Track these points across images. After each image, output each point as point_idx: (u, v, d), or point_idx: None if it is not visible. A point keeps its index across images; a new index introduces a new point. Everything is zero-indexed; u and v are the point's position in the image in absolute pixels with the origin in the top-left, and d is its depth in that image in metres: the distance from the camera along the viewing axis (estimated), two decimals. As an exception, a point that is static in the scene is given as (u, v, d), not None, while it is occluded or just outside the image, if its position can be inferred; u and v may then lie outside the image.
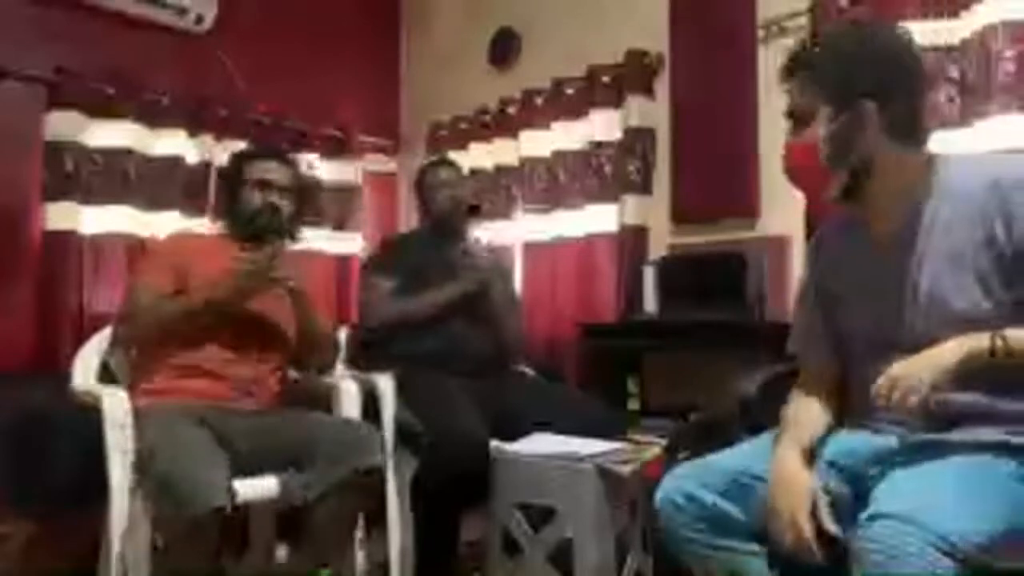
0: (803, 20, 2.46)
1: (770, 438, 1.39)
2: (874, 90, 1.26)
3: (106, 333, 2.05)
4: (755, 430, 1.47)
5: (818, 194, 1.39)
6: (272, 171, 2.08)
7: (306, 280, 2.04)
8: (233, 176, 2.11)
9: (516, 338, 2.53)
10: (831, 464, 1.33)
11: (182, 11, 3.14)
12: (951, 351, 1.16)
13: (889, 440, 1.30)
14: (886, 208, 1.33)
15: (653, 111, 2.94)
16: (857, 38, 1.34)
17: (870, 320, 1.36)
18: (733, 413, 1.65)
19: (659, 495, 1.36)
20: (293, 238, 2.16)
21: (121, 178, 2.99)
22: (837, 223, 1.48)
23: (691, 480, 1.34)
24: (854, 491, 1.30)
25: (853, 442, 1.35)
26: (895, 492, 1.12)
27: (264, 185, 2.06)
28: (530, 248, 3.24)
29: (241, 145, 3.11)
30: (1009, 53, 1.98)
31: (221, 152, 3.21)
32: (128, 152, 3.01)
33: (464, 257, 2.46)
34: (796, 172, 1.39)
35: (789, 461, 1.28)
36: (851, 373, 1.42)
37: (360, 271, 2.65)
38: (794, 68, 1.35)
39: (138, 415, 1.72)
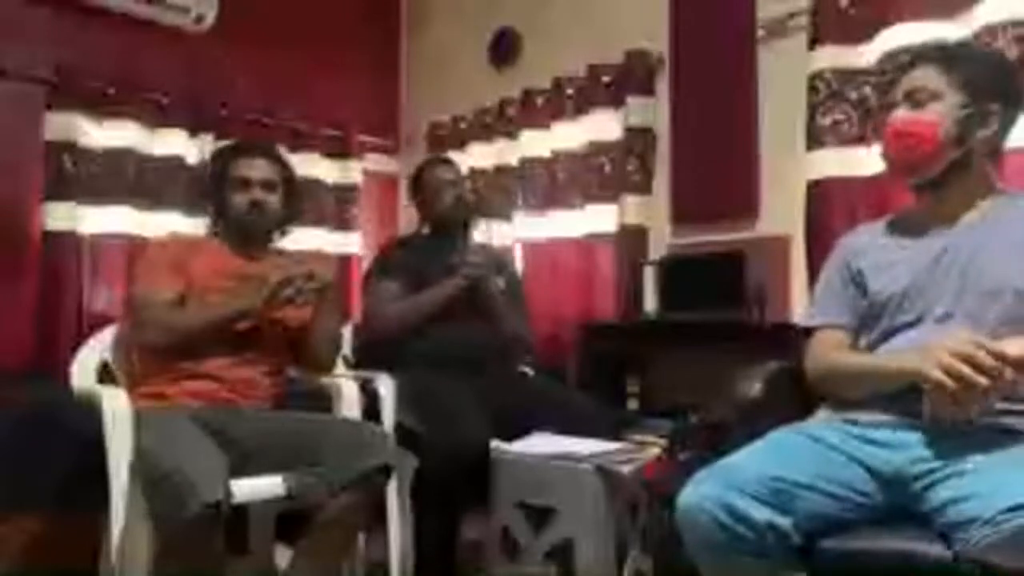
0: (803, 20, 2.46)
1: (783, 436, 1.36)
2: (1003, 98, 1.39)
3: (106, 333, 2.05)
4: (756, 431, 1.44)
5: (915, 169, 1.43)
6: (253, 167, 2.04)
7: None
8: (215, 176, 2.07)
9: (521, 336, 2.53)
10: (865, 466, 1.29)
11: (182, 11, 3.14)
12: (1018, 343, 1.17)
13: (911, 434, 1.28)
14: (957, 205, 1.42)
15: (653, 111, 2.94)
16: (992, 51, 1.57)
17: (907, 290, 1.40)
18: (736, 415, 1.60)
19: (687, 503, 1.24)
20: (283, 233, 2.16)
21: (121, 178, 3.00)
22: (869, 227, 1.60)
23: (730, 490, 1.21)
24: (888, 498, 1.27)
25: (876, 436, 1.32)
26: (1008, 483, 1.09)
27: (246, 183, 2.02)
28: (530, 248, 3.24)
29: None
30: (1010, 53, 1.97)
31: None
32: (128, 152, 3.02)
33: (464, 257, 2.46)
34: (906, 141, 1.41)
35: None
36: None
37: (364, 277, 2.65)
38: (932, 55, 1.44)
39: (138, 415, 1.71)
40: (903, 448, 1.27)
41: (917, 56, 1.48)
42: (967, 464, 1.18)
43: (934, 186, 1.43)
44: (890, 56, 2.15)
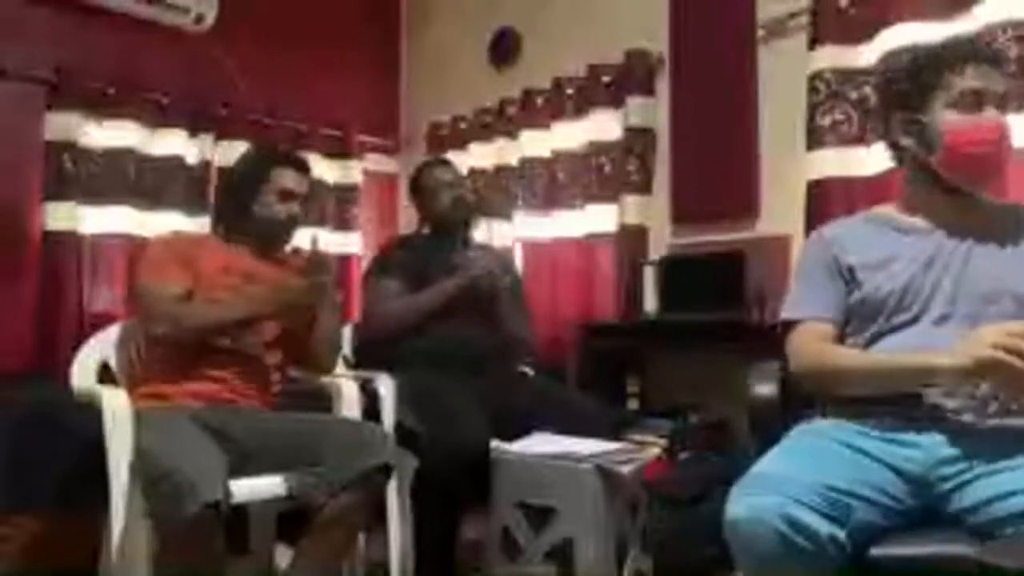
0: (803, 20, 2.46)
1: (811, 441, 1.31)
2: None
3: (106, 333, 2.05)
4: (767, 433, 1.41)
5: (995, 178, 1.42)
6: (296, 180, 2.04)
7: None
8: (253, 179, 2.05)
9: (522, 336, 2.53)
10: (894, 469, 1.25)
11: (182, 11, 3.14)
12: None
13: (932, 435, 1.26)
14: (973, 213, 1.40)
15: (653, 111, 2.94)
16: None
17: (905, 288, 1.37)
18: (751, 416, 1.53)
19: (741, 515, 1.15)
20: None
21: (121, 178, 3.00)
22: (844, 222, 1.56)
23: (788, 501, 1.12)
24: (916, 500, 1.24)
25: (899, 437, 1.28)
26: None
27: (290, 195, 2.03)
28: (530, 248, 3.24)
29: (240, 145, 3.14)
30: (1010, 53, 1.97)
31: (222, 152, 3.23)
32: (128, 152, 3.02)
33: (466, 258, 2.46)
34: (1009, 149, 1.37)
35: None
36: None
37: (364, 276, 2.65)
38: (988, 54, 1.39)
39: (138, 415, 1.71)
40: (926, 449, 1.25)
41: (977, 51, 1.39)
42: (999, 463, 1.17)
43: (970, 194, 1.40)
44: (892, 55, 2.15)
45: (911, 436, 1.28)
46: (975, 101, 1.34)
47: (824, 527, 1.12)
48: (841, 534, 1.13)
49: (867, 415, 1.33)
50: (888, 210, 1.51)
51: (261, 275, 1.99)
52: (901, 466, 1.25)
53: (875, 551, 1.18)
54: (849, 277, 1.44)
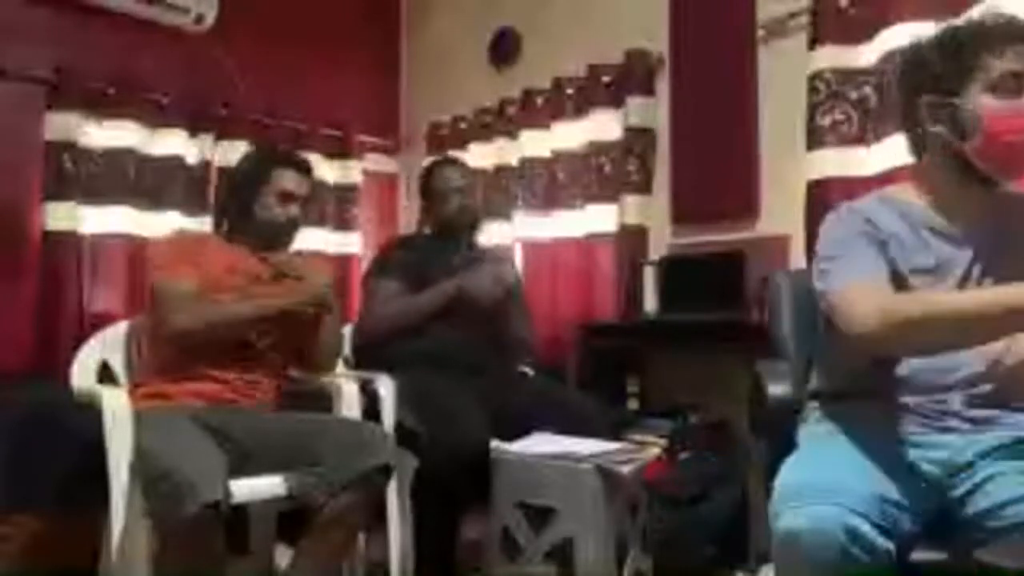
0: (803, 20, 2.46)
1: (839, 446, 1.27)
2: None
3: (106, 333, 2.06)
4: (779, 435, 1.39)
5: None
6: (296, 182, 2.05)
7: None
8: (254, 179, 2.05)
9: (522, 336, 2.53)
10: (914, 472, 1.22)
11: (182, 11, 3.14)
12: None
13: (944, 436, 1.25)
14: (1005, 200, 1.35)
15: (653, 111, 2.94)
16: None
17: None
18: (761, 416, 1.51)
19: (799, 526, 1.09)
20: None
21: (121, 178, 3.00)
22: (868, 207, 1.40)
23: (845, 511, 1.08)
24: (933, 505, 1.21)
25: (923, 442, 1.26)
26: None
27: (289, 196, 2.03)
28: (530, 248, 3.24)
29: (240, 145, 3.14)
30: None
31: (222, 152, 3.23)
32: (128, 152, 3.02)
33: (467, 260, 2.46)
34: None
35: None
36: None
37: (363, 277, 2.65)
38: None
39: (138, 415, 1.72)
40: (948, 451, 1.24)
41: (1017, 31, 1.28)
42: (1011, 463, 1.16)
43: (997, 183, 1.33)
44: (891, 55, 2.15)
45: (933, 438, 1.26)
46: (1016, 86, 1.25)
47: (879, 539, 1.08)
48: (891, 545, 1.09)
49: (887, 418, 1.30)
50: (907, 195, 1.40)
51: (264, 274, 2.00)
52: (923, 469, 1.23)
53: (915, 556, 1.16)
54: (897, 273, 1.32)
